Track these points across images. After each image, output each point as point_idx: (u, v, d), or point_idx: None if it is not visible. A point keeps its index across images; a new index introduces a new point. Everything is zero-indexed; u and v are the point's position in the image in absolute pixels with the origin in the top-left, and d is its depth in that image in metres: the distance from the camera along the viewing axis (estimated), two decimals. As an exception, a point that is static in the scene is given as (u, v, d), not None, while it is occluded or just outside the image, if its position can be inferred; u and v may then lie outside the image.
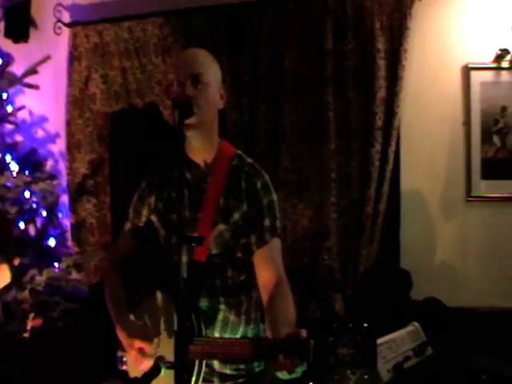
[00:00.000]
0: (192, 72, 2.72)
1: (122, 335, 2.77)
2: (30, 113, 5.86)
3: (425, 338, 3.68)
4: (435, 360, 3.68)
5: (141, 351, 2.66)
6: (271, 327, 2.53)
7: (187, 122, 2.58)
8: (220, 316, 2.78)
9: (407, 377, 3.45)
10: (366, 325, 2.13)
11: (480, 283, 4.87)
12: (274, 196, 2.86)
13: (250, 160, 2.90)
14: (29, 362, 4.66)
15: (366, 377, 2.16)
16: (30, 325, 3.48)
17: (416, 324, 3.76)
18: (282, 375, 2.28)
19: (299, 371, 2.24)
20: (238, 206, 2.77)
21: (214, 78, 2.81)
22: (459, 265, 4.92)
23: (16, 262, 3.20)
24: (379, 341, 3.45)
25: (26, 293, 3.44)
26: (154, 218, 2.92)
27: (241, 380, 2.81)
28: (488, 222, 4.92)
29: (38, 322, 3.49)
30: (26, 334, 3.53)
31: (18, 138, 5.78)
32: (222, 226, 2.75)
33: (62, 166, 5.84)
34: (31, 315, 3.46)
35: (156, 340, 2.69)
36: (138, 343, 2.67)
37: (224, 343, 2.54)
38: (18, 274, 3.29)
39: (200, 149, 2.79)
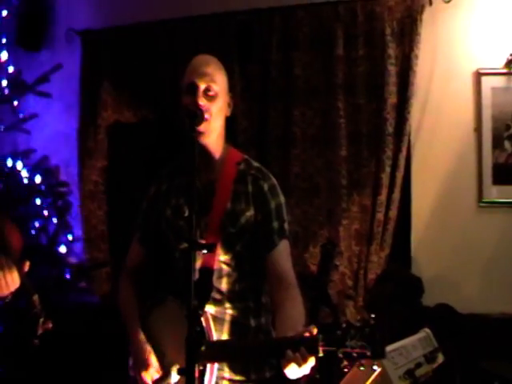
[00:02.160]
0: (204, 81, 2.73)
1: (134, 357, 2.81)
2: (40, 119, 5.86)
3: (436, 345, 3.67)
4: (447, 366, 3.67)
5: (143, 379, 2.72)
6: (281, 329, 2.52)
7: (198, 129, 2.59)
8: (228, 318, 2.77)
9: (419, 383, 3.44)
10: (373, 315, 2.14)
11: (492, 289, 4.85)
12: (282, 198, 2.86)
13: (256, 164, 2.91)
14: (40, 369, 4.67)
15: (374, 368, 2.17)
16: (40, 331, 3.47)
17: (427, 330, 3.74)
18: (292, 372, 2.26)
19: (308, 367, 2.23)
20: (245, 209, 2.77)
21: (223, 86, 2.83)
22: (471, 271, 4.90)
23: (26, 267, 3.20)
24: (391, 347, 3.44)
25: (36, 297, 3.43)
26: (163, 225, 2.92)
27: (252, 386, 2.81)
28: (500, 228, 4.90)
29: (49, 325, 3.47)
30: (36, 341, 3.51)
31: (33, 146, 5.79)
32: (229, 230, 2.76)
33: (74, 174, 5.85)
34: (41, 320, 3.45)
35: (168, 344, 2.71)
36: (147, 378, 2.71)
37: (234, 345, 2.54)
38: (27, 278, 3.28)
39: (208, 154, 2.80)
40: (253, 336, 2.82)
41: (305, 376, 2.28)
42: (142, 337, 2.83)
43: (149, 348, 2.79)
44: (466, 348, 4.24)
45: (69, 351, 4.90)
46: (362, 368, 2.16)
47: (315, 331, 2.21)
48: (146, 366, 2.73)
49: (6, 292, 3.17)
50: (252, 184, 2.82)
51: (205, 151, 2.77)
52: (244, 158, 2.91)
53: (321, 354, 2.18)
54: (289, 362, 2.23)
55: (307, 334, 2.21)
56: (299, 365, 2.21)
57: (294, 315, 2.56)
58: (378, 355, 2.12)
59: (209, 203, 2.78)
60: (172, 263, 2.86)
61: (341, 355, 2.13)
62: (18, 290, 3.16)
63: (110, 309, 3.01)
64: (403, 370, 3.44)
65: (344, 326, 2.15)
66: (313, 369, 2.25)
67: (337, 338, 2.15)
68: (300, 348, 2.20)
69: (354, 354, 2.12)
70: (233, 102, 2.89)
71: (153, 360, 2.75)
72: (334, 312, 4.82)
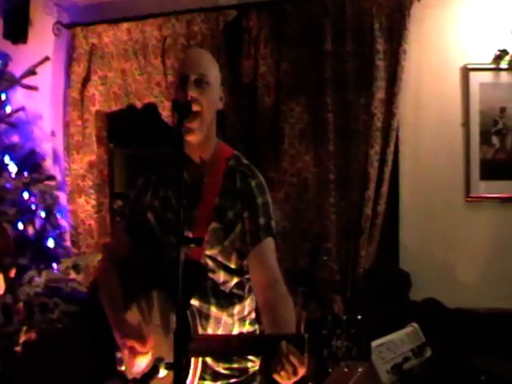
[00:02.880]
0: (195, 72, 2.72)
1: (116, 335, 2.77)
2: (27, 112, 5.84)
3: (424, 339, 3.68)
4: (434, 361, 3.68)
5: (132, 350, 2.67)
6: (268, 328, 2.52)
7: (188, 123, 2.58)
8: (212, 314, 2.77)
9: (406, 378, 3.44)
10: (359, 317, 2.14)
11: (479, 284, 4.87)
12: (269, 198, 2.85)
13: (246, 161, 2.90)
14: (28, 364, 4.66)
15: (360, 369, 2.17)
16: (22, 338, 3.47)
17: (415, 325, 3.75)
18: (283, 380, 2.26)
19: (299, 374, 2.23)
20: (232, 205, 2.76)
21: (216, 78, 2.81)
22: (458, 266, 4.92)
23: (12, 273, 3.20)
24: (378, 341, 3.44)
25: (21, 304, 3.43)
26: (150, 216, 2.90)
27: (233, 380, 2.80)
28: (487, 223, 4.93)
29: (31, 335, 3.48)
30: (17, 348, 3.51)
31: (18, 139, 5.77)
32: (215, 225, 2.75)
33: (60, 166, 5.84)
34: (24, 328, 3.44)
35: (150, 338, 2.69)
36: (129, 342, 2.67)
37: (220, 339, 2.54)
38: (12, 284, 3.29)
39: (198, 147, 2.79)
40: (238, 331, 2.82)
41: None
42: (128, 322, 2.81)
43: (135, 327, 2.78)
44: (453, 343, 4.26)
45: (58, 346, 4.90)
46: (345, 369, 2.16)
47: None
48: (133, 334, 2.71)
49: None
50: (240, 180, 2.81)
51: (195, 145, 2.76)
52: (234, 154, 2.90)
53: (306, 354, 2.18)
54: (281, 368, 2.22)
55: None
56: (289, 375, 2.21)
57: (287, 316, 2.55)
58: (364, 356, 2.13)
59: (197, 197, 2.78)
60: (158, 255, 2.85)
61: (326, 355, 2.14)
62: (3, 295, 3.15)
63: (97, 302, 2.98)
64: (391, 364, 3.44)
65: (330, 325, 2.15)
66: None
67: (323, 337, 2.15)
68: (294, 352, 2.20)
69: (340, 355, 2.12)
70: (224, 96, 2.89)
71: (140, 330, 2.74)
72: (322, 307, 4.83)
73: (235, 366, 2.80)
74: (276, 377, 2.26)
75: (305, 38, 5.13)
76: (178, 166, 2.46)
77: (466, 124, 4.94)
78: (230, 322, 2.80)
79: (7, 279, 3.11)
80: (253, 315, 2.90)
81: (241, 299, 2.85)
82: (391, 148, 4.91)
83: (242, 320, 2.85)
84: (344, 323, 2.14)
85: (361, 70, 5.00)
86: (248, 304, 2.88)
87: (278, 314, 2.54)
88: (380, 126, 4.91)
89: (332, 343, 2.12)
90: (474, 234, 4.94)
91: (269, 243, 2.78)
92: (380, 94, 4.91)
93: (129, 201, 3.02)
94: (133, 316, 2.84)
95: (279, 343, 2.22)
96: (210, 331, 2.74)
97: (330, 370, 2.17)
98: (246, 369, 2.83)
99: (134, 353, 2.67)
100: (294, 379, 2.24)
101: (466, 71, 4.93)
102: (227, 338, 2.56)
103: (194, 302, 2.71)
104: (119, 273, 2.96)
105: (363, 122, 4.99)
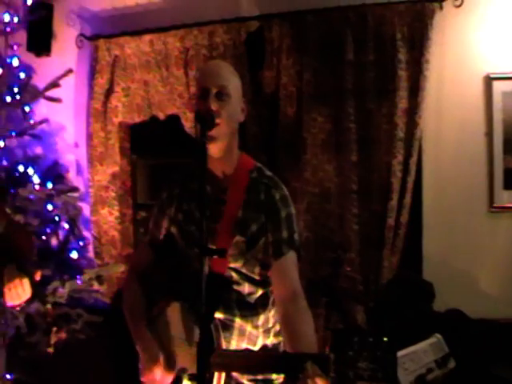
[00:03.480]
0: (216, 84, 2.74)
1: (142, 356, 2.77)
2: (50, 124, 5.88)
3: (447, 350, 3.66)
4: (458, 372, 3.66)
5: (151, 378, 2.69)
6: (288, 342, 2.52)
7: (209, 134, 2.59)
8: (236, 325, 2.77)
9: (430, 389, 3.43)
10: (385, 339, 2.12)
11: (503, 294, 4.83)
12: (293, 209, 2.86)
13: (269, 173, 2.91)
14: (51, 374, 4.68)
15: None
16: (53, 339, 3.49)
17: (438, 336, 3.73)
18: None
19: None
20: (256, 218, 2.77)
21: (236, 90, 2.82)
22: (482, 276, 4.89)
23: (37, 276, 3.20)
24: (401, 352, 3.43)
25: (49, 306, 3.45)
26: (173, 229, 2.92)
27: (258, 390, 2.81)
28: (511, 233, 4.89)
29: (62, 335, 3.50)
30: (50, 349, 3.53)
31: (39, 149, 5.81)
32: (239, 238, 2.75)
33: (83, 178, 5.87)
34: (54, 329, 3.47)
35: (177, 348, 2.70)
36: (159, 373, 2.68)
37: (244, 356, 2.53)
38: (39, 287, 3.28)
39: (220, 161, 2.80)
40: (262, 343, 2.82)
41: None
42: (149, 335, 2.82)
43: (156, 344, 2.78)
44: (476, 353, 4.23)
45: (81, 356, 4.91)
46: None
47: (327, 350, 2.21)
48: (155, 360, 2.71)
49: (17, 302, 3.18)
50: (264, 193, 2.82)
51: (217, 158, 2.76)
52: (257, 166, 2.91)
53: (332, 374, 2.17)
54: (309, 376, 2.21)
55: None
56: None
57: (307, 331, 2.56)
58: (389, 380, 2.11)
59: (220, 210, 2.78)
60: (182, 268, 2.86)
61: (352, 376, 2.13)
62: (30, 299, 3.17)
63: (121, 313, 2.99)
64: (414, 375, 3.42)
65: (356, 346, 2.14)
66: None
67: (348, 358, 2.14)
68: (318, 371, 2.19)
69: (365, 376, 2.11)
70: (246, 108, 2.90)
71: (161, 356, 2.74)
72: (344, 317, 4.81)
73: (260, 377, 2.80)
74: None
75: (326, 48, 5.12)
76: (201, 175, 2.47)
77: (489, 133, 4.91)
78: (255, 334, 2.81)
79: (33, 283, 3.12)
80: (277, 327, 2.90)
81: (265, 310, 2.85)
82: (414, 158, 4.89)
83: (267, 332, 2.86)
84: (370, 344, 2.13)
85: (383, 79, 4.98)
86: (272, 315, 2.88)
87: (298, 327, 2.54)
88: (402, 136, 4.89)
89: (358, 364, 2.11)
90: (497, 243, 4.90)
91: (291, 257, 2.79)
92: (402, 104, 4.89)
93: (152, 215, 3.04)
94: (158, 330, 2.85)
95: (305, 363, 2.21)
96: (233, 343, 2.75)
97: None
98: (271, 380, 2.84)
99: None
100: None
101: (488, 80, 4.91)
102: (251, 355, 2.56)
103: (219, 315, 2.72)
104: (142, 285, 2.97)
105: (385, 131, 4.97)
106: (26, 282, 3.10)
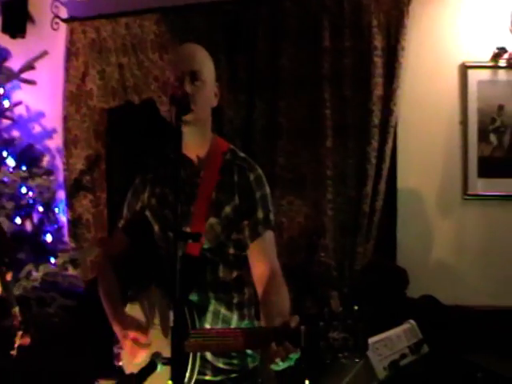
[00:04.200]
0: (190, 68, 2.72)
1: (116, 328, 2.78)
2: (27, 108, 5.85)
3: (421, 336, 3.69)
4: (431, 358, 3.69)
5: (135, 341, 2.67)
6: (265, 319, 2.53)
7: (184, 118, 2.57)
8: (211, 308, 2.77)
9: (403, 374, 3.46)
10: (356, 308, 2.14)
11: (476, 281, 4.87)
12: (267, 189, 2.85)
13: (242, 154, 2.91)
14: (24, 359, 4.66)
15: (357, 360, 2.16)
16: (17, 343, 3.47)
17: (412, 322, 3.76)
18: (276, 366, 2.26)
19: (292, 358, 2.23)
20: (229, 199, 2.77)
21: (210, 75, 2.82)
22: (455, 263, 4.93)
23: (8, 277, 3.19)
24: (375, 338, 3.45)
25: (17, 309, 3.43)
26: (147, 213, 2.92)
27: (234, 375, 2.81)
28: (484, 221, 4.93)
29: (26, 340, 3.48)
30: (13, 352, 3.52)
31: (15, 133, 5.77)
32: (212, 220, 2.75)
33: (59, 162, 5.85)
34: (19, 333, 3.45)
35: (151, 330, 2.70)
36: (132, 333, 2.68)
37: (217, 334, 2.54)
38: (8, 288, 3.27)
39: (193, 145, 2.79)
40: (236, 326, 2.83)
41: None
42: (129, 315, 2.83)
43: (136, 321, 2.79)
44: (449, 340, 4.27)
45: (55, 340, 4.90)
46: (343, 360, 2.16)
47: (296, 321, 2.22)
48: (135, 325, 2.73)
49: None
50: (238, 174, 2.81)
51: (190, 140, 2.75)
52: (230, 148, 2.91)
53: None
54: (273, 355, 2.23)
55: (292, 325, 2.21)
56: (283, 358, 2.22)
57: (279, 301, 2.57)
58: (361, 347, 2.12)
59: (194, 193, 2.78)
60: (156, 252, 2.86)
61: (323, 347, 2.14)
62: None
63: (95, 297, 2.99)
64: (388, 360, 3.46)
65: (327, 317, 2.15)
66: (297, 359, 2.26)
67: (319, 329, 2.15)
68: (284, 342, 2.20)
69: (337, 346, 2.12)
70: (219, 92, 2.89)
71: (141, 322, 2.76)
72: (318, 303, 4.83)
73: (235, 361, 2.81)
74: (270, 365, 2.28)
75: (303, 34, 5.12)
76: (177, 159, 2.47)
77: (463, 122, 4.94)
78: (229, 316, 2.81)
79: (4, 283, 3.10)
80: (252, 310, 2.91)
81: (240, 292, 2.86)
82: (389, 145, 4.91)
83: (241, 314, 2.86)
84: (340, 315, 2.14)
85: (359, 66, 4.99)
86: (247, 298, 2.88)
87: (274, 305, 2.55)
88: (378, 123, 4.90)
89: (329, 335, 2.12)
90: (471, 231, 4.94)
91: (268, 237, 2.80)
92: (378, 91, 4.90)
93: (126, 200, 3.03)
94: (131, 312, 2.85)
95: (270, 345, 2.23)
96: (207, 326, 2.75)
97: (328, 362, 2.17)
98: (246, 365, 2.85)
99: (137, 344, 2.68)
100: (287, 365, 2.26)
101: (464, 69, 4.93)
102: (223, 332, 2.56)
103: (193, 297, 2.72)
104: (116, 270, 2.97)
105: (361, 118, 4.97)
106: None
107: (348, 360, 2.15)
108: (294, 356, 2.22)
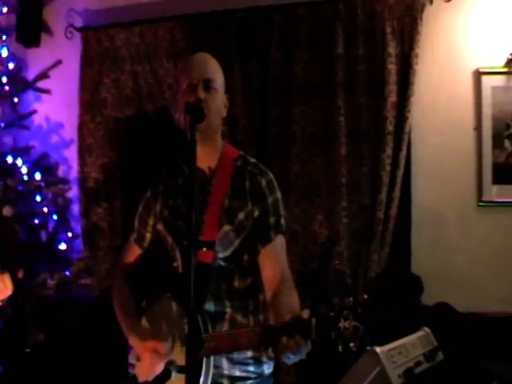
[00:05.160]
0: (204, 76, 2.74)
1: (134, 341, 2.78)
2: (46, 119, 5.88)
3: (436, 344, 3.67)
4: (446, 365, 3.67)
5: (155, 352, 2.67)
6: (275, 317, 2.53)
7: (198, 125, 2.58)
8: (227, 316, 2.78)
9: (418, 382, 3.44)
10: (366, 296, 2.15)
11: (491, 288, 4.85)
12: (279, 194, 2.87)
13: (253, 160, 2.92)
14: (38, 365, 4.67)
15: (368, 348, 2.17)
16: (31, 341, 3.49)
17: (427, 329, 3.74)
18: (288, 360, 2.27)
19: (304, 352, 2.24)
20: (242, 205, 2.78)
21: (222, 85, 2.85)
22: (470, 270, 4.90)
23: (20, 273, 3.20)
24: (390, 346, 3.44)
25: (29, 307, 3.45)
26: (160, 226, 2.93)
27: (250, 382, 2.81)
28: (499, 227, 4.91)
29: (40, 337, 3.49)
30: (27, 350, 3.53)
31: (33, 143, 5.80)
32: (226, 227, 2.76)
33: (74, 171, 5.86)
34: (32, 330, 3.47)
35: (170, 339, 2.70)
36: (151, 343, 2.68)
37: (229, 335, 2.54)
38: (20, 285, 3.27)
39: (205, 154, 2.79)
40: None
41: None
42: (144, 327, 2.84)
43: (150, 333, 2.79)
44: (465, 347, 4.24)
45: (69, 348, 4.91)
46: (354, 349, 2.17)
47: (307, 315, 2.22)
48: (153, 336, 2.72)
49: None
50: (249, 180, 2.82)
51: (202, 149, 2.75)
52: (240, 154, 2.92)
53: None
54: (284, 349, 2.23)
55: (303, 317, 2.22)
56: (294, 352, 2.22)
57: (290, 301, 2.57)
58: (371, 335, 2.13)
59: (206, 201, 2.79)
60: (169, 262, 2.87)
61: (334, 336, 2.14)
62: (11, 298, 3.15)
63: (109, 305, 3.00)
64: (402, 368, 3.43)
65: (337, 308, 2.16)
66: (309, 353, 2.27)
67: (330, 320, 2.16)
68: (294, 334, 2.20)
69: (347, 335, 2.13)
70: (228, 104, 2.92)
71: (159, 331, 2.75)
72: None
73: (251, 368, 2.82)
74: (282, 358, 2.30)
75: (316, 42, 5.12)
76: (191, 168, 2.47)
77: (478, 128, 4.93)
78: (246, 323, 2.81)
79: (15, 279, 3.10)
80: (267, 316, 2.90)
81: (255, 298, 2.86)
82: (403, 152, 4.90)
83: (257, 320, 2.86)
84: (351, 304, 2.15)
85: (372, 73, 4.99)
86: (261, 304, 2.89)
87: (283, 306, 2.55)
88: (392, 130, 4.90)
89: (339, 325, 2.13)
90: (486, 238, 4.91)
91: (279, 241, 2.81)
92: (392, 98, 4.90)
93: (137, 212, 3.04)
94: (149, 323, 2.85)
95: (280, 339, 2.23)
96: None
97: (340, 350, 2.18)
98: (262, 371, 2.86)
99: (158, 355, 2.67)
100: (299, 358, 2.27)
101: (478, 75, 4.92)
102: (236, 333, 2.56)
103: (209, 307, 2.73)
104: (129, 283, 2.99)
105: (375, 125, 4.97)
106: (6, 277, 3.09)
107: (359, 349, 2.17)
108: (305, 350, 2.22)
